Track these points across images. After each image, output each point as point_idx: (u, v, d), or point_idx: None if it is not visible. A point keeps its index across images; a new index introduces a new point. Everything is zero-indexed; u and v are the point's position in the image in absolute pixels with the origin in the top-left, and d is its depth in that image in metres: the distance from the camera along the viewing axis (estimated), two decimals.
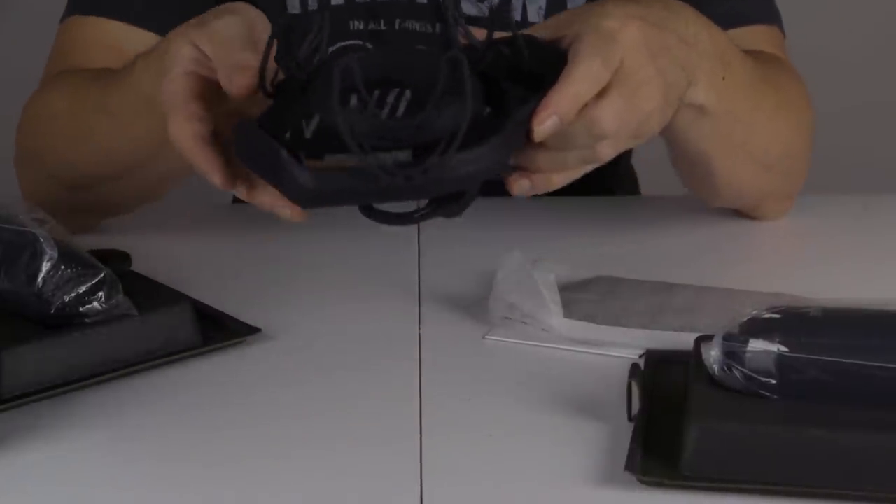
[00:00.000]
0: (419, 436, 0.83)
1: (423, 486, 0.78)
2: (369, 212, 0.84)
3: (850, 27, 2.37)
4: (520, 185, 0.89)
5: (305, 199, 0.80)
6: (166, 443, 0.84)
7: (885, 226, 1.18)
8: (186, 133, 0.88)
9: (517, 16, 1.23)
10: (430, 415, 0.86)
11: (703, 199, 1.14)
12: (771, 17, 1.22)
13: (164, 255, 1.09)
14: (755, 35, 1.20)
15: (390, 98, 0.83)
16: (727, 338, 0.80)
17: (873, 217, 1.20)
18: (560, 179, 0.90)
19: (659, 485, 0.77)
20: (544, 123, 0.85)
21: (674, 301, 0.98)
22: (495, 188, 1.32)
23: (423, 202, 0.85)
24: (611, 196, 1.31)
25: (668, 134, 1.01)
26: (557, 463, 0.81)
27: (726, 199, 1.14)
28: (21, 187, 1.19)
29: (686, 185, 1.14)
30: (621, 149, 0.91)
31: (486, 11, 1.23)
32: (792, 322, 0.80)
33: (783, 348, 0.78)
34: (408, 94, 0.82)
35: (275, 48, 0.85)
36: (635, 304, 0.98)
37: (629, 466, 0.78)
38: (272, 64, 0.85)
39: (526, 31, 0.91)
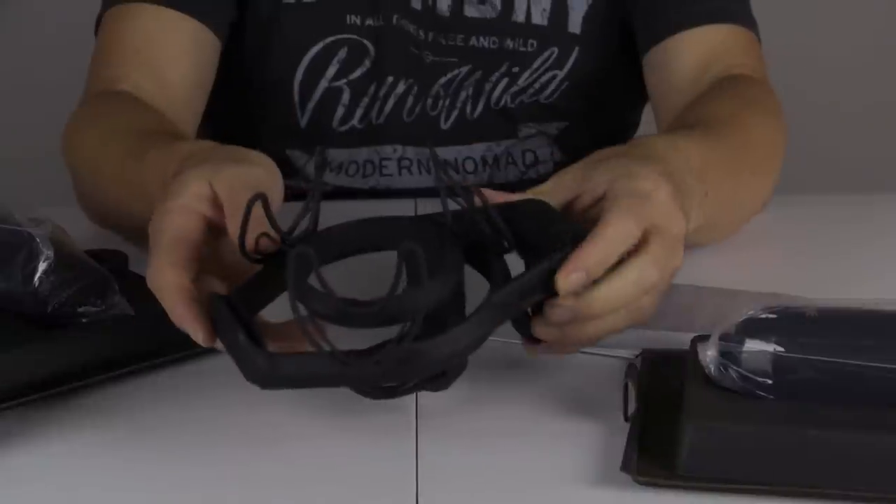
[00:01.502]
0: (415, 435, 0.83)
1: (419, 486, 0.78)
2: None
3: (851, 28, 2.38)
4: (538, 349, 0.86)
5: (261, 381, 0.79)
6: (162, 444, 0.84)
7: (882, 226, 1.18)
8: (166, 282, 0.83)
9: (521, 17, 1.24)
10: (426, 415, 0.86)
11: None
12: (747, 21, 1.23)
13: None
14: (730, 36, 1.21)
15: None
16: (723, 338, 0.80)
17: (871, 217, 1.20)
18: (585, 344, 0.87)
19: (655, 485, 0.77)
20: (570, 277, 0.81)
21: (671, 301, 0.98)
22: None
23: None
24: None
25: None
26: (553, 463, 0.81)
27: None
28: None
29: None
30: (650, 312, 0.87)
31: (486, 14, 1.23)
32: (788, 322, 0.80)
33: (779, 348, 0.78)
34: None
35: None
36: None
37: (625, 466, 0.78)
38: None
39: (548, 185, 0.90)
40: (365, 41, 1.23)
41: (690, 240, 0.96)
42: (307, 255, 0.77)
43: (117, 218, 1.11)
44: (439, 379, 0.83)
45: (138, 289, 0.95)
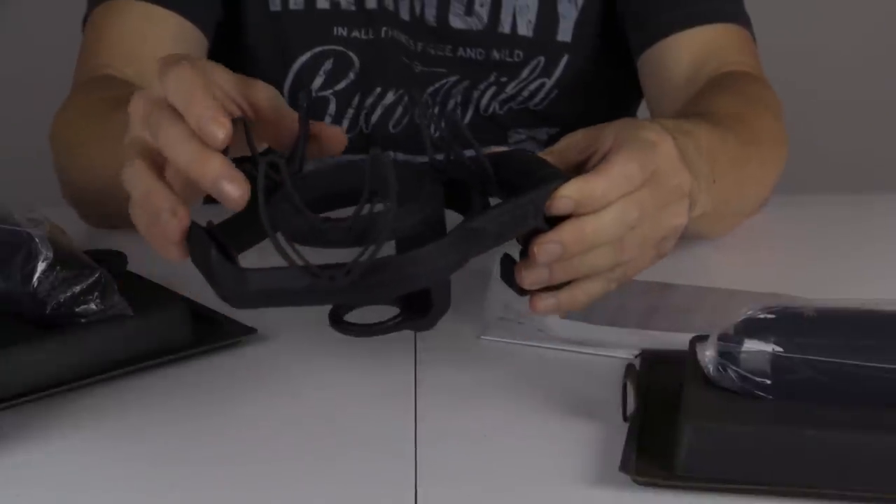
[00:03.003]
0: (414, 436, 0.83)
1: (418, 486, 0.78)
2: (333, 322, 0.83)
3: (850, 27, 2.38)
4: (545, 304, 0.86)
5: (234, 298, 0.79)
6: (160, 444, 0.84)
7: (881, 226, 1.18)
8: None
9: (507, 28, 1.24)
10: (426, 415, 0.86)
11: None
12: (740, 19, 1.23)
13: (159, 254, 1.08)
14: (726, 35, 1.21)
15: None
16: (722, 338, 0.80)
17: (870, 217, 1.20)
18: (584, 296, 0.86)
19: (653, 485, 0.77)
20: (560, 199, 0.82)
21: (670, 301, 0.98)
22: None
23: (393, 313, 0.83)
24: None
25: None
26: (552, 463, 0.81)
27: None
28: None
29: None
30: (644, 264, 0.88)
31: (473, 26, 1.23)
32: (787, 322, 0.80)
33: (778, 348, 0.78)
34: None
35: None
36: (631, 303, 0.98)
37: (624, 467, 0.78)
38: None
39: (558, 145, 0.89)
40: (350, 53, 1.24)
41: (695, 228, 0.97)
42: (277, 164, 0.77)
43: (106, 194, 1.09)
44: (422, 318, 0.83)
45: (137, 289, 0.96)
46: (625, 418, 0.83)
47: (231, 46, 1.26)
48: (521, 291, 0.85)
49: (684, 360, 0.83)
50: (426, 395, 0.88)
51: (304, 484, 0.79)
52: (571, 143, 0.90)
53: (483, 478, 0.80)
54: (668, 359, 0.87)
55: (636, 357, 0.89)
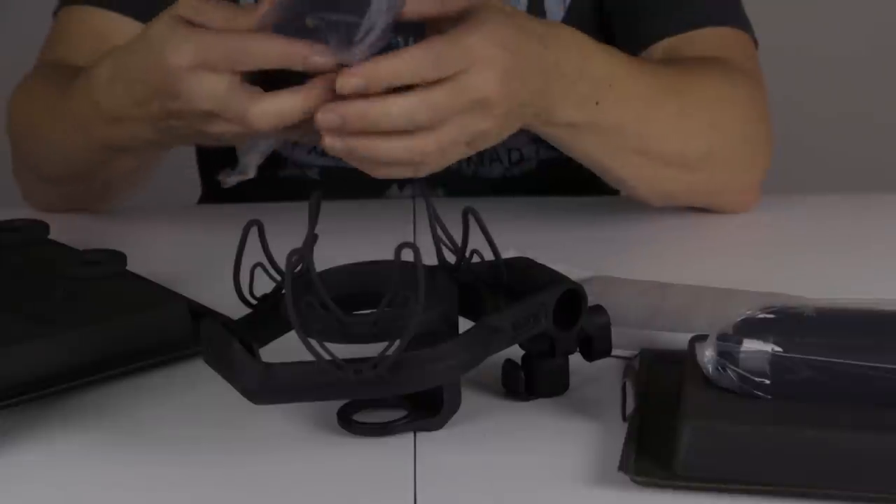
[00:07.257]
0: (413, 436, 0.83)
1: (417, 486, 0.78)
2: (345, 422, 0.84)
3: (850, 28, 2.38)
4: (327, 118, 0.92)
5: (257, 393, 0.79)
6: (160, 443, 0.84)
7: (880, 226, 1.18)
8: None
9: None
10: None
11: (639, 200, 1.16)
12: (738, 21, 1.22)
13: (159, 254, 1.09)
14: (722, 38, 1.21)
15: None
16: (721, 338, 0.80)
17: (869, 217, 1.20)
18: (384, 154, 0.92)
19: (652, 485, 0.77)
20: (349, 81, 0.89)
21: (669, 301, 0.98)
22: (493, 189, 1.32)
23: (401, 414, 0.84)
24: (607, 196, 1.31)
25: (554, 144, 1.07)
26: (551, 463, 0.81)
27: (658, 201, 1.17)
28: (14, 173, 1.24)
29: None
30: (454, 158, 0.94)
31: None
32: (786, 322, 0.80)
33: (777, 348, 0.78)
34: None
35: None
36: (631, 303, 0.97)
37: (623, 466, 0.78)
38: None
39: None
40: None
41: (579, 145, 1.05)
42: (304, 257, 0.78)
43: (62, 167, 1.15)
44: (433, 417, 0.83)
45: (137, 288, 0.96)
46: (624, 418, 0.83)
47: None
48: (525, 398, 0.87)
49: (684, 360, 0.83)
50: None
51: (304, 483, 0.79)
52: None
53: (481, 477, 0.79)
54: (667, 359, 0.87)
55: (635, 357, 0.89)
